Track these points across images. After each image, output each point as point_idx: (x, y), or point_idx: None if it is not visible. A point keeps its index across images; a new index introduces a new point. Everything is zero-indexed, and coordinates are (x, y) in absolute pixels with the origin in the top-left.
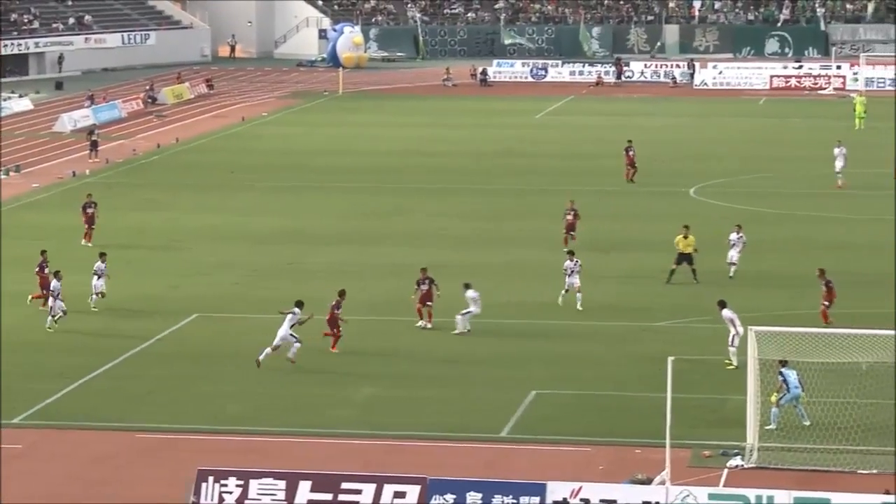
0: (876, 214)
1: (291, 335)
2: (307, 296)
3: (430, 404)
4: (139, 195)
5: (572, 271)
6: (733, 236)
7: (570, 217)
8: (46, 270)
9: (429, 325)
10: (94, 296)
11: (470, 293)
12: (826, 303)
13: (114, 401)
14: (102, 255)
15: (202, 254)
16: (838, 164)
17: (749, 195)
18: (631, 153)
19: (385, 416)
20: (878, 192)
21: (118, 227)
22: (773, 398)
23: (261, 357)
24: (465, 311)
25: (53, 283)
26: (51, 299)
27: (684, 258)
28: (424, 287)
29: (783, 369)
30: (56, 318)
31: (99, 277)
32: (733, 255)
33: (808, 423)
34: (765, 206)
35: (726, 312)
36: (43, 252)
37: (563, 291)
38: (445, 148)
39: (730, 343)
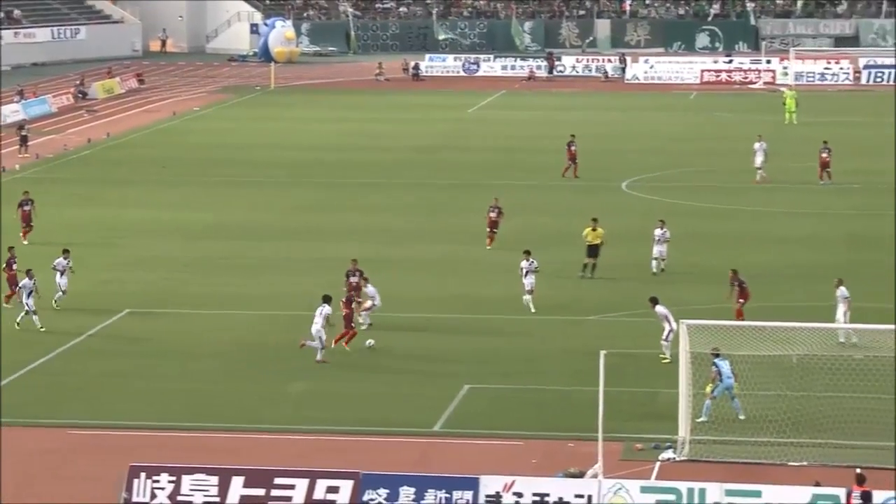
0: (803, 208)
1: (320, 333)
2: (244, 291)
3: (363, 399)
4: (70, 190)
5: (528, 271)
6: (657, 232)
7: (493, 215)
8: (15, 267)
9: (360, 320)
10: (57, 293)
11: (369, 289)
12: (741, 300)
13: (46, 397)
14: (66, 252)
15: (134, 249)
16: (758, 159)
17: (680, 189)
18: (573, 148)
19: (318, 412)
20: (803, 187)
21: (49, 223)
22: (708, 389)
23: (318, 357)
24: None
25: (24, 281)
26: (24, 296)
27: (592, 251)
28: (354, 279)
29: (716, 360)
30: (24, 314)
31: (62, 274)
32: (659, 250)
33: (742, 417)
34: (696, 200)
35: (660, 309)
36: (10, 248)
37: (525, 295)
38: (378, 142)
39: (663, 338)
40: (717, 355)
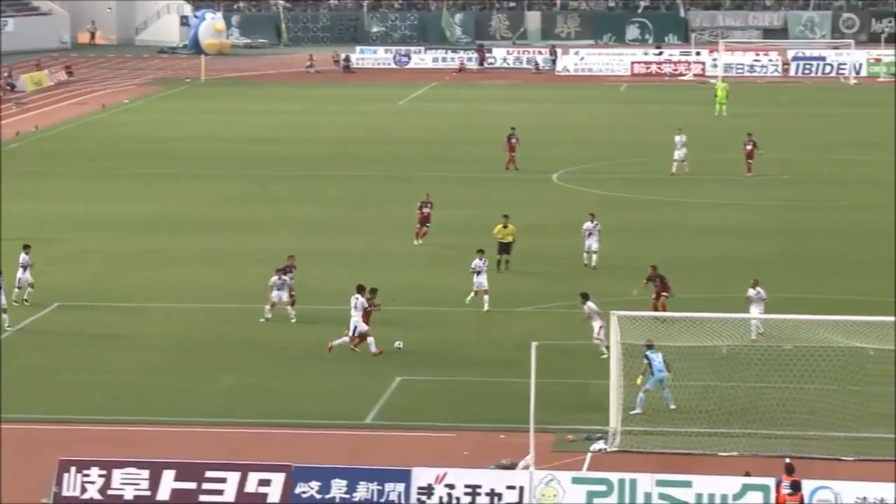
0: (731, 199)
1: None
2: (174, 284)
3: (294, 392)
4: None
5: (481, 270)
6: (588, 225)
7: (425, 210)
8: None
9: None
10: (26, 289)
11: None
12: (665, 294)
13: None
14: (27, 248)
15: (63, 242)
16: (678, 151)
17: (611, 181)
18: (513, 140)
19: (249, 404)
20: (731, 178)
21: None
22: (639, 381)
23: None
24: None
25: None
26: None
27: (504, 248)
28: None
29: (648, 352)
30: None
31: (25, 270)
32: (590, 243)
33: (673, 406)
34: (626, 191)
35: (590, 305)
36: None
37: (471, 293)
38: (309, 135)
39: (595, 334)
40: (650, 347)
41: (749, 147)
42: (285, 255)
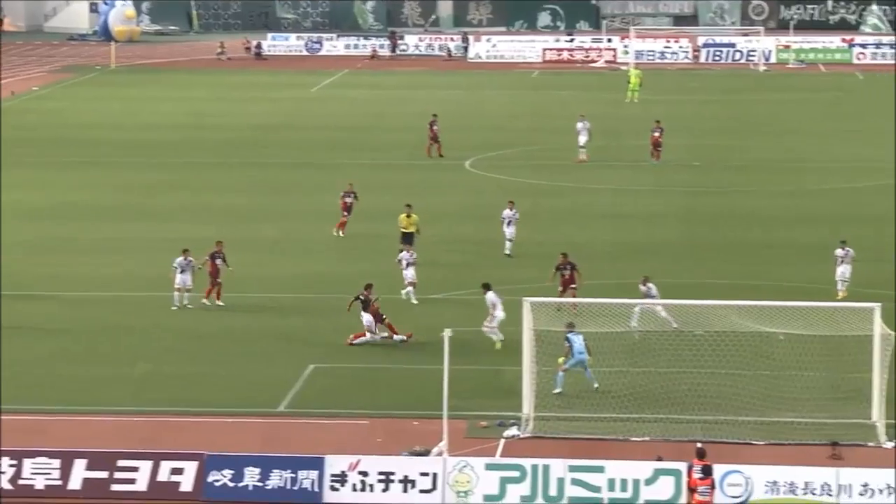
0: (640, 185)
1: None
2: (83, 273)
3: (207, 380)
4: None
5: (409, 263)
6: (507, 213)
7: (348, 200)
8: None
9: (218, 303)
10: None
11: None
12: (574, 287)
13: None
14: None
15: None
16: (581, 138)
17: (523, 167)
18: (435, 128)
19: (162, 393)
20: (640, 165)
21: None
22: (560, 361)
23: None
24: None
25: None
26: None
27: (407, 238)
28: (219, 261)
29: (569, 334)
30: None
31: None
32: (511, 231)
33: (596, 385)
34: (538, 177)
35: (490, 296)
36: None
37: (406, 286)
38: (221, 122)
39: (488, 323)
40: (572, 329)
41: (657, 134)
42: (196, 243)
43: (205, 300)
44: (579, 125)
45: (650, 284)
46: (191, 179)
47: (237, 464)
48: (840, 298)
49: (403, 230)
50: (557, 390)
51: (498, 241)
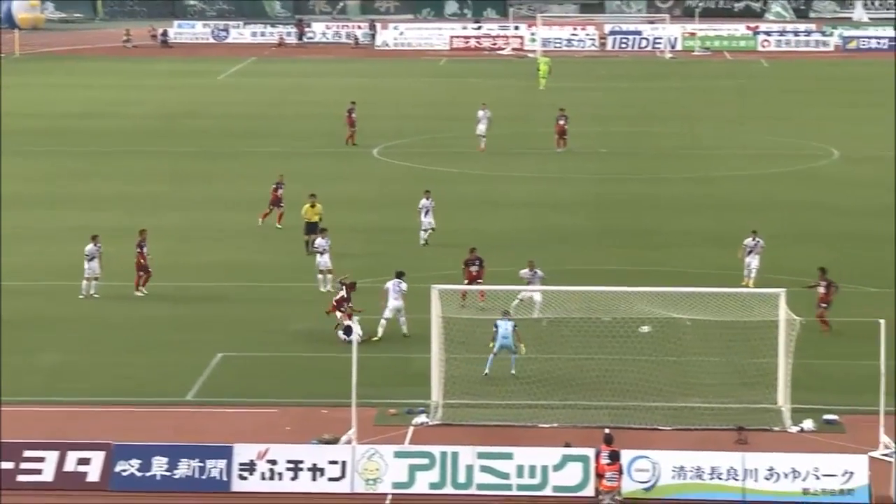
0: (547, 173)
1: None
2: None
3: (115, 369)
4: None
5: (324, 250)
6: (424, 202)
7: (279, 192)
8: None
9: (142, 290)
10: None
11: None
12: (480, 281)
13: None
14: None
15: None
16: (481, 126)
17: (431, 155)
18: (353, 115)
19: (69, 383)
20: (548, 152)
21: None
22: (491, 345)
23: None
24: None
25: None
26: None
27: (311, 228)
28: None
29: (499, 319)
30: None
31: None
32: (428, 221)
33: (513, 372)
34: (446, 165)
35: (389, 284)
36: None
37: (321, 272)
38: (128, 110)
39: (384, 314)
40: (506, 315)
41: (562, 122)
42: (104, 231)
43: (137, 291)
44: (480, 113)
45: (537, 270)
46: (97, 168)
47: (145, 453)
48: (744, 285)
49: (308, 220)
50: (485, 372)
51: (408, 228)
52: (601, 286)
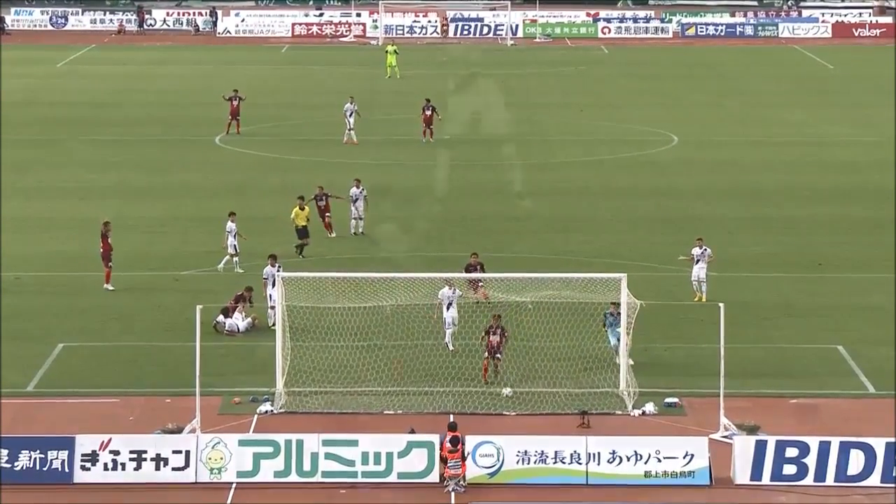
0: (396, 160)
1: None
2: None
3: None
4: None
5: (233, 233)
6: (354, 191)
7: (321, 203)
8: None
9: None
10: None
11: None
12: (481, 284)
13: None
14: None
15: None
16: (350, 120)
17: (274, 142)
18: (235, 103)
19: None
20: (399, 140)
21: None
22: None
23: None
24: None
25: None
26: None
27: (303, 232)
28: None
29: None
30: None
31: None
32: (357, 209)
33: (451, 348)
34: (291, 153)
35: (270, 270)
36: None
37: (226, 257)
38: None
39: (270, 303)
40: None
41: (428, 112)
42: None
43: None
44: (347, 106)
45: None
46: None
47: None
48: (697, 300)
49: (299, 226)
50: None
51: (251, 216)
52: (444, 272)
